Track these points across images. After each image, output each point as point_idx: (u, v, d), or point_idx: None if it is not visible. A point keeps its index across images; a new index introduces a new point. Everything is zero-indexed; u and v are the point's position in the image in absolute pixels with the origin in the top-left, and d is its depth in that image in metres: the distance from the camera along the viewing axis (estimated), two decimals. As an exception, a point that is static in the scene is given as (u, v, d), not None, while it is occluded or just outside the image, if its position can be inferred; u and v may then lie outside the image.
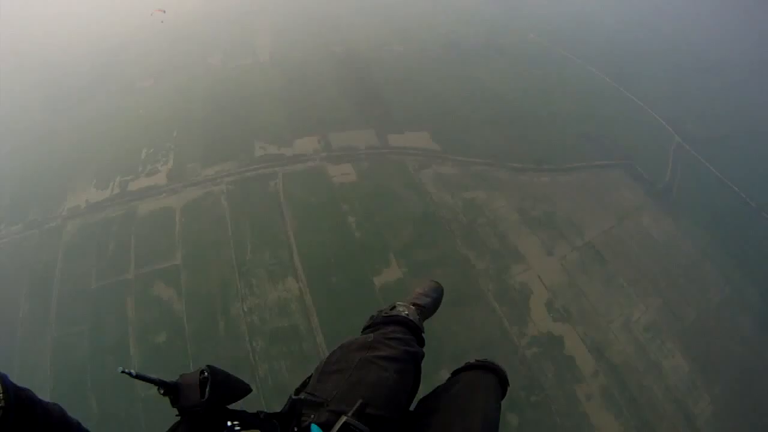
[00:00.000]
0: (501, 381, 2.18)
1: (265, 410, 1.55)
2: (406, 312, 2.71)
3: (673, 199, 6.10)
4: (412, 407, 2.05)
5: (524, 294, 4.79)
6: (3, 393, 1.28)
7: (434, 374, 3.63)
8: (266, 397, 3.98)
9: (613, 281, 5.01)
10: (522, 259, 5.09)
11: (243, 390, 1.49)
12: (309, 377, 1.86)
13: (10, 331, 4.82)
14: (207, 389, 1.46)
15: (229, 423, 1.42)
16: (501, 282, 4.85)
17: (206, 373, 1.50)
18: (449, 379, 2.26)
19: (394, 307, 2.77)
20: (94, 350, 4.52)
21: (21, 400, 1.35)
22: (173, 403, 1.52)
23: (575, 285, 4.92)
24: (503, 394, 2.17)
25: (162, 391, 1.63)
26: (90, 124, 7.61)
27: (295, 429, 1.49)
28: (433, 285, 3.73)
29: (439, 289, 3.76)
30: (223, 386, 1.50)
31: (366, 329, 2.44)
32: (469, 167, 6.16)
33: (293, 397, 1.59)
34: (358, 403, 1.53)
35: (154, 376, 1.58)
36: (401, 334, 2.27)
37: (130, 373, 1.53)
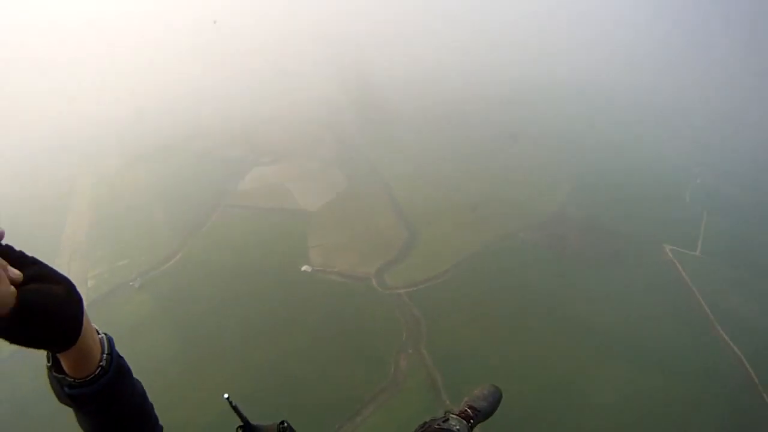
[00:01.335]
0: None
1: None
2: (458, 427, 3.51)
3: None
4: None
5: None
6: (107, 355, 2.09)
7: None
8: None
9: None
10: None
11: None
12: None
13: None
14: None
15: None
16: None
17: (286, 423, 2.67)
18: None
19: (446, 420, 3.43)
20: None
21: (119, 367, 2.15)
22: None
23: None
24: None
25: (240, 431, 2.77)
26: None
27: None
28: (492, 389, 4.36)
29: (497, 393, 4.38)
30: None
31: None
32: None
33: None
34: None
35: (245, 414, 2.73)
36: None
37: (230, 402, 2.67)
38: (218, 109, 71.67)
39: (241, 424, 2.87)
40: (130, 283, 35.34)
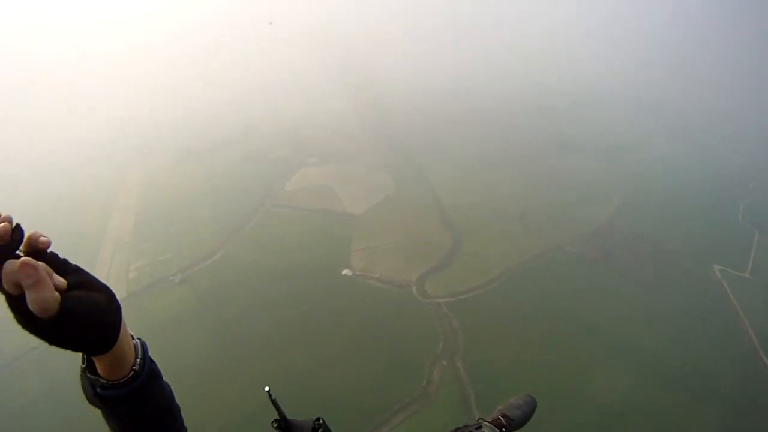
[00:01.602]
0: None
1: None
2: None
3: None
4: None
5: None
6: (140, 360, 2.19)
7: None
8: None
9: None
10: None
11: None
12: None
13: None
14: None
15: None
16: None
17: (321, 420, 2.86)
18: None
19: (479, 427, 3.53)
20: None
21: (150, 371, 2.24)
22: None
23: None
24: None
25: (275, 425, 2.94)
26: None
27: None
28: (527, 398, 4.59)
29: (532, 403, 4.60)
30: None
31: None
32: None
33: None
34: None
35: (284, 409, 2.91)
36: None
37: (270, 395, 2.81)
38: (268, 110, 72.82)
39: (277, 417, 3.01)
40: (171, 278, 36.19)
